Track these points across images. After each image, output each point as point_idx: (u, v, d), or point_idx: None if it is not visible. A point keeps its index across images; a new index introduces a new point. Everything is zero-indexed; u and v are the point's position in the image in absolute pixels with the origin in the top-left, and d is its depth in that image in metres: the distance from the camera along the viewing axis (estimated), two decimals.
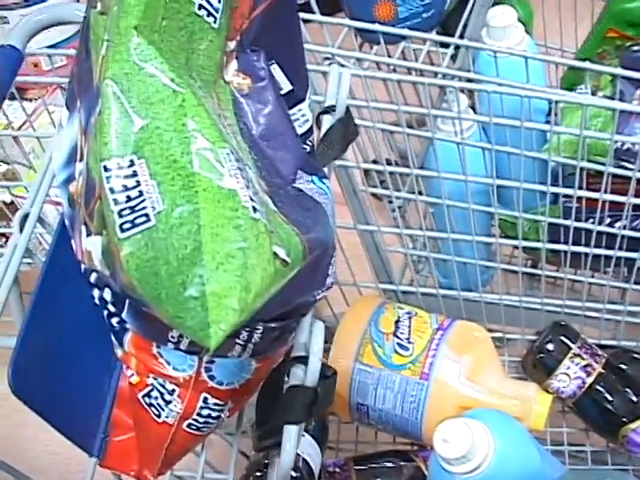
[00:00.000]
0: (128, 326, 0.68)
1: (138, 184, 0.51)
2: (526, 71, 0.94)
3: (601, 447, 1.12)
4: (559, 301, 1.14)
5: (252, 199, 0.52)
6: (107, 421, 0.77)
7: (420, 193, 1.10)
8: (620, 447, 1.06)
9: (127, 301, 0.65)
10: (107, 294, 0.67)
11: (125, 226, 0.51)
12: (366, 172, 1.18)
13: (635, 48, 1.09)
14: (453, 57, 1.06)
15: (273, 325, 0.63)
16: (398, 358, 1.07)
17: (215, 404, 0.69)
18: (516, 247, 1.13)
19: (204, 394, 0.69)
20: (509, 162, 1.06)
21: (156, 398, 0.71)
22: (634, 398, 1.04)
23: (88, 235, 0.58)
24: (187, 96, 0.53)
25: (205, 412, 0.70)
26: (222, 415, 0.71)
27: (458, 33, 1.04)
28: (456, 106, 0.99)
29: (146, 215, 0.50)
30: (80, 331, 0.77)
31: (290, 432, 0.60)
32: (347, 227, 1.11)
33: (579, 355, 1.06)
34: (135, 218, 0.51)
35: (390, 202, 1.18)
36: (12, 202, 1.33)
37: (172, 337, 0.64)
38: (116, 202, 0.51)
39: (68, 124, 0.64)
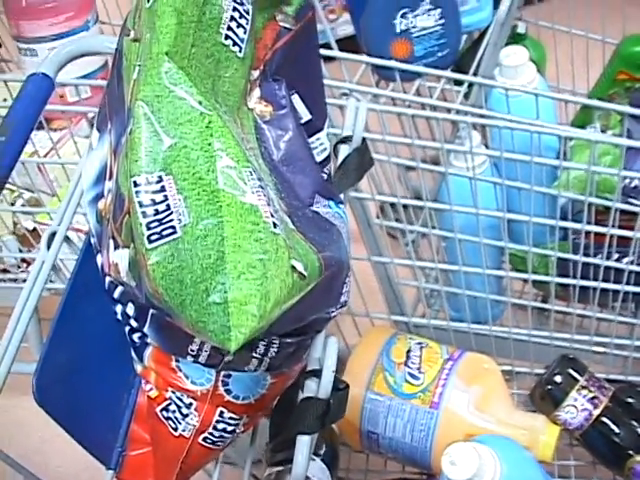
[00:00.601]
0: (149, 340, 0.71)
1: (166, 198, 0.54)
2: (536, 108, 0.98)
3: None
4: (567, 335, 1.16)
5: (272, 215, 0.55)
6: (125, 436, 0.79)
7: (433, 228, 1.13)
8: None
9: (149, 315, 0.68)
10: (130, 309, 0.70)
11: (153, 237, 0.54)
12: (381, 209, 1.21)
13: None
14: (466, 95, 1.10)
15: (289, 340, 0.66)
16: (409, 387, 1.10)
17: (231, 418, 0.72)
18: (526, 281, 1.16)
19: (220, 408, 0.71)
20: (520, 199, 1.09)
21: (173, 412, 0.73)
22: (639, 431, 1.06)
23: (116, 248, 0.61)
24: (213, 118, 0.56)
25: (221, 426, 0.72)
26: (237, 430, 0.73)
27: (471, 72, 1.08)
28: (469, 142, 1.03)
29: (173, 227, 0.53)
30: (101, 347, 0.80)
31: (303, 442, 0.62)
32: (361, 258, 1.14)
33: (586, 387, 1.07)
34: (162, 230, 0.54)
35: (403, 236, 1.21)
36: (35, 229, 1.37)
37: (191, 350, 0.67)
38: (144, 215, 0.54)
39: (99, 145, 0.68)
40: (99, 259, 0.73)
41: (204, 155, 0.55)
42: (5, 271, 1.37)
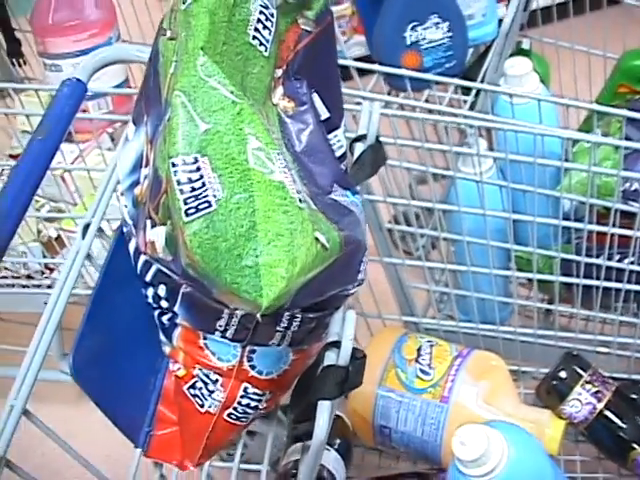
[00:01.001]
0: (178, 321, 0.76)
1: (201, 177, 0.60)
2: (539, 113, 1.03)
3: (613, 474, 1.17)
4: (572, 334, 1.21)
5: (298, 192, 0.61)
6: (152, 417, 0.84)
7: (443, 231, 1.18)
8: (632, 472, 1.11)
9: (180, 294, 0.73)
10: (161, 290, 0.75)
11: (190, 211, 0.59)
12: (395, 221, 1.26)
13: None
14: (472, 106, 1.15)
15: (310, 315, 0.71)
16: (420, 382, 1.14)
17: (254, 393, 0.77)
18: (531, 281, 1.21)
19: (245, 383, 0.76)
20: (525, 204, 1.14)
21: (200, 389, 0.78)
22: None
23: (153, 227, 0.67)
24: (244, 106, 0.62)
25: (245, 401, 0.77)
26: (259, 405, 0.78)
27: (478, 81, 1.13)
28: (476, 145, 1.08)
29: (208, 202, 0.59)
30: (130, 334, 0.85)
31: (324, 407, 0.67)
32: (373, 259, 1.19)
33: (590, 382, 1.12)
34: (199, 204, 0.59)
35: (414, 241, 1.26)
36: (58, 236, 1.42)
37: (219, 326, 0.72)
38: (182, 192, 0.60)
39: (135, 137, 0.74)
40: (132, 245, 0.78)
41: (236, 138, 0.61)
42: (29, 277, 1.42)
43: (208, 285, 0.62)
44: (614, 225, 1.06)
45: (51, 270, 1.43)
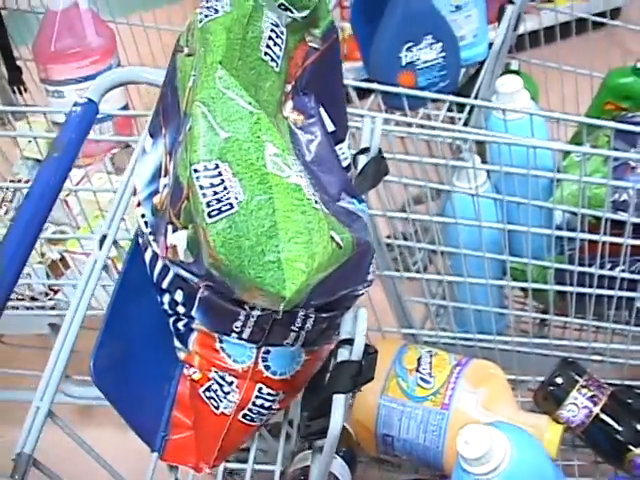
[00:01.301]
0: (194, 325, 0.80)
1: (222, 181, 0.64)
2: (531, 127, 1.08)
3: (609, 478, 1.21)
4: (567, 342, 1.25)
5: (313, 194, 0.65)
6: (167, 422, 0.87)
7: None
8: (628, 474, 1.14)
9: (197, 299, 0.76)
10: (178, 295, 0.78)
11: (213, 213, 0.63)
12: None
13: (629, 114, 1.23)
14: (466, 122, 1.20)
15: (323, 315, 0.74)
16: (421, 390, 1.18)
17: (268, 394, 0.80)
18: (525, 291, 1.25)
19: (259, 384, 0.79)
20: (518, 217, 1.19)
21: (215, 391, 0.81)
22: (637, 426, 1.14)
23: (174, 231, 0.71)
24: (261, 115, 0.66)
25: (259, 402, 0.80)
26: (273, 406, 0.81)
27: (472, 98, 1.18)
28: (471, 160, 1.13)
29: (230, 204, 0.63)
30: (146, 342, 0.88)
31: (339, 400, 0.70)
32: None
33: (586, 387, 1.16)
34: (221, 207, 0.63)
35: (412, 255, 1.30)
36: (62, 258, 1.46)
37: (236, 327, 0.75)
38: (204, 195, 0.64)
39: (152, 149, 0.78)
40: (148, 254, 0.82)
41: (254, 145, 0.65)
42: (33, 299, 1.45)
43: (230, 283, 0.66)
44: (605, 234, 1.10)
45: (55, 292, 1.45)
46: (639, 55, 1.43)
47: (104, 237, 0.87)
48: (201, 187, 0.64)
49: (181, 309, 0.80)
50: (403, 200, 1.24)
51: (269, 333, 0.75)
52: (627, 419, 1.15)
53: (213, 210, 0.63)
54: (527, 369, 1.32)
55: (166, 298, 0.81)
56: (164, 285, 0.80)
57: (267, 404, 0.81)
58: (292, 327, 0.75)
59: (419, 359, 1.21)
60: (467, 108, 1.17)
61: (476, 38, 1.21)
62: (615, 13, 2.14)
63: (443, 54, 1.14)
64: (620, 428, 1.14)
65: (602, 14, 1.65)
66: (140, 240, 0.84)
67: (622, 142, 1.18)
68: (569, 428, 1.17)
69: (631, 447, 1.13)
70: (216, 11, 0.71)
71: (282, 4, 0.74)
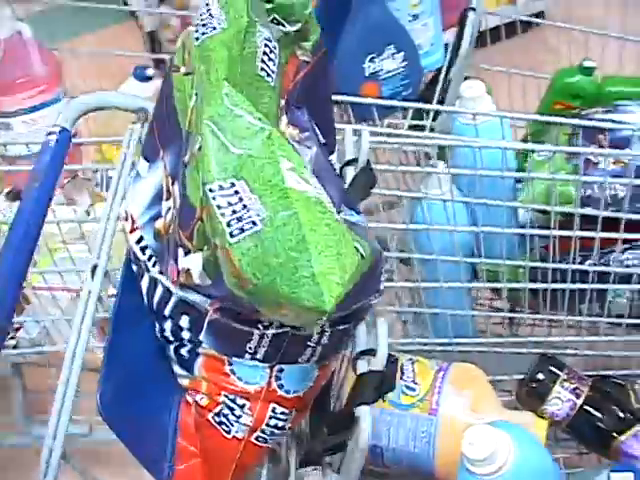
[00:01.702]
0: (200, 350, 0.78)
1: (241, 200, 0.63)
2: (502, 130, 1.10)
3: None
4: (542, 338, 1.27)
5: (333, 207, 0.64)
6: (172, 451, 0.85)
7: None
8: (615, 460, 1.17)
9: (205, 322, 0.75)
10: (184, 321, 0.77)
11: (235, 233, 0.62)
12: None
13: (584, 112, 1.27)
14: (432, 129, 1.22)
15: (339, 328, 0.74)
16: (406, 398, 1.17)
17: (282, 413, 0.79)
18: (497, 292, 1.27)
19: (272, 404, 0.78)
20: (488, 219, 1.20)
21: (226, 415, 0.79)
22: (620, 414, 1.16)
23: (187, 254, 0.69)
24: (272, 130, 0.66)
25: (273, 422, 0.79)
26: (286, 425, 0.80)
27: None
28: (440, 167, 1.14)
29: (253, 222, 0.62)
30: (144, 372, 0.86)
31: (365, 412, 0.70)
32: None
33: (567, 380, 1.18)
34: (243, 226, 0.62)
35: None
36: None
37: (249, 348, 0.74)
38: (223, 215, 0.63)
39: (149, 173, 0.76)
40: (144, 281, 0.80)
41: (269, 161, 0.64)
42: None
43: (255, 302, 0.64)
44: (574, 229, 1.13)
45: (17, 329, 1.40)
46: (567, 55, 1.48)
47: (95, 267, 0.85)
48: (219, 207, 0.63)
49: (186, 335, 0.78)
50: (369, 206, 1.25)
51: (284, 351, 0.74)
52: (609, 408, 1.17)
53: (234, 229, 0.62)
54: (503, 369, 1.34)
55: (168, 325, 0.79)
56: (166, 312, 0.78)
57: (281, 424, 0.80)
58: (308, 343, 0.74)
59: (401, 367, 1.21)
60: (431, 115, 1.18)
61: (433, 46, 1.22)
62: (540, 16, 2.22)
63: (405, 63, 1.15)
64: (604, 417, 1.16)
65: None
66: (134, 267, 0.82)
67: (582, 139, 1.22)
68: (554, 422, 1.18)
69: (616, 434, 1.15)
70: (213, 28, 0.70)
71: (275, 18, 0.74)
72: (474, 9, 1.09)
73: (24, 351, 1.38)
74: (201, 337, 0.76)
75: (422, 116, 1.17)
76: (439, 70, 1.26)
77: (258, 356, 0.75)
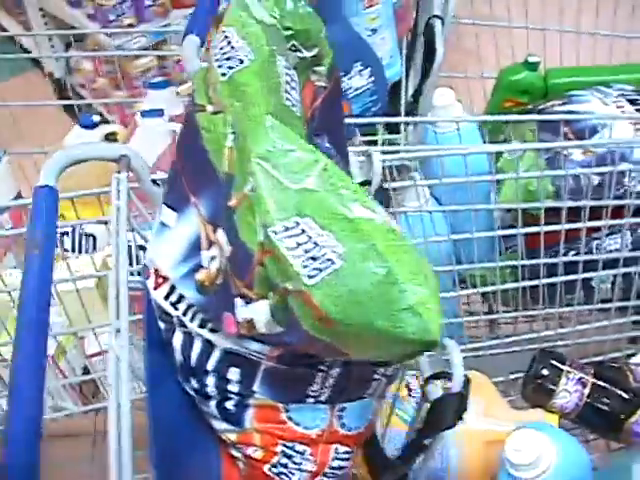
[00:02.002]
0: (251, 401, 0.74)
1: (310, 238, 0.59)
2: (482, 135, 1.10)
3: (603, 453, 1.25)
4: (535, 334, 1.28)
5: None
6: None
7: None
8: (627, 442, 1.18)
9: (259, 372, 0.71)
10: (232, 374, 0.72)
11: (312, 274, 0.58)
12: None
13: (546, 106, 1.29)
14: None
15: None
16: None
17: (345, 452, 0.75)
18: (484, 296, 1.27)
19: (335, 445, 0.75)
20: (469, 225, 1.20)
21: (285, 465, 0.75)
22: (625, 396, 1.18)
23: (248, 303, 0.65)
24: (327, 161, 0.62)
25: (336, 463, 0.75)
26: (347, 464, 0.77)
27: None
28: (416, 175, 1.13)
29: (330, 260, 0.58)
30: (178, 434, 0.81)
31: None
32: None
33: (572, 372, 1.19)
34: (319, 265, 0.58)
35: None
36: None
37: (312, 392, 0.71)
38: (295, 257, 0.59)
39: (179, 223, 0.71)
40: (177, 338, 0.75)
41: (331, 194, 0.61)
42: None
43: (341, 343, 0.61)
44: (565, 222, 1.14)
45: None
46: (507, 51, 1.50)
47: (118, 330, 0.79)
48: (288, 248, 0.59)
49: (234, 387, 0.74)
50: None
51: (350, 389, 0.71)
52: (614, 392, 1.18)
53: (311, 270, 0.59)
54: (496, 371, 1.34)
55: (210, 380, 0.74)
56: (209, 366, 0.74)
57: (343, 464, 0.76)
58: (375, 377, 0.71)
59: (407, 385, 1.19)
60: (402, 127, 1.17)
61: (392, 58, 1.21)
62: None
63: (372, 79, 1.14)
64: (611, 402, 1.18)
65: None
66: (162, 325, 0.77)
67: (547, 133, 1.23)
68: (563, 415, 1.19)
69: (625, 417, 1.17)
70: (240, 61, 0.66)
71: (293, 45, 0.71)
72: (440, 17, 1.09)
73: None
74: (254, 387, 0.72)
75: (395, 130, 1.16)
76: (398, 82, 1.25)
77: (322, 398, 0.71)
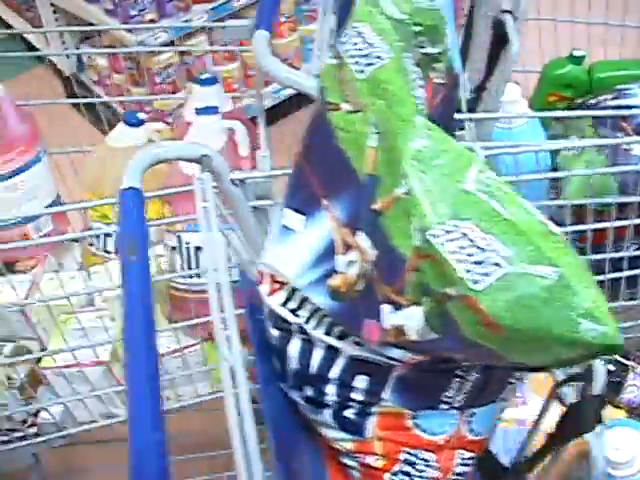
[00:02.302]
0: (375, 409, 0.72)
1: (472, 241, 0.57)
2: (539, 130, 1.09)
3: None
4: None
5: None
6: None
7: None
8: None
9: (390, 379, 0.69)
10: (360, 381, 0.70)
11: (477, 278, 0.56)
12: None
13: (598, 101, 1.28)
14: None
15: None
16: None
17: (469, 458, 0.74)
18: None
19: (460, 451, 0.73)
20: None
21: (407, 473, 0.74)
22: None
23: (397, 309, 0.62)
24: (480, 162, 0.60)
25: (459, 469, 0.74)
26: (468, 470, 0.75)
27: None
28: None
29: (496, 264, 0.56)
30: (287, 441, 0.79)
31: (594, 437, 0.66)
32: None
33: (637, 367, 1.18)
34: (485, 270, 0.56)
35: None
36: (30, 376, 1.28)
37: (447, 397, 0.69)
38: (459, 261, 0.57)
39: (309, 225, 0.69)
40: (294, 345, 0.73)
41: (489, 195, 0.59)
42: (12, 430, 1.26)
43: (508, 349, 0.59)
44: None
45: (35, 414, 1.27)
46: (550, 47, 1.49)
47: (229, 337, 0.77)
48: (450, 252, 0.57)
49: (358, 396, 0.72)
50: None
51: (486, 394, 0.70)
52: None
53: (477, 275, 0.57)
54: None
55: (331, 388, 0.72)
56: (331, 374, 0.72)
57: (466, 469, 0.75)
58: (511, 380, 0.69)
59: None
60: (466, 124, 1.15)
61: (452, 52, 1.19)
62: None
63: None
64: None
65: None
66: (275, 332, 0.74)
67: (605, 128, 1.22)
68: (630, 409, 1.19)
69: None
70: (379, 57, 0.64)
71: (420, 41, 0.69)
72: (509, 11, 1.07)
73: (50, 437, 1.25)
74: (384, 395, 0.70)
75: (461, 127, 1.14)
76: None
77: (456, 404, 0.69)
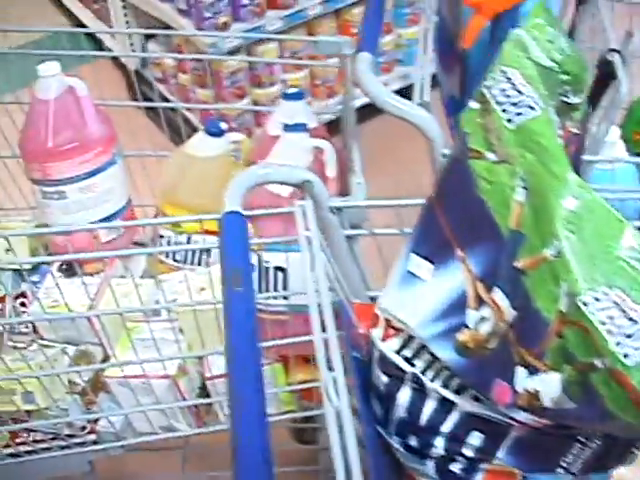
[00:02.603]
0: (483, 466, 0.69)
1: (623, 312, 0.54)
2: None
3: None
4: None
5: None
6: None
7: None
8: None
9: (511, 438, 0.66)
10: (473, 437, 0.68)
11: (627, 352, 0.54)
12: None
13: None
14: None
15: None
16: None
17: None
18: None
19: None
20: None
21: None
22: None
23: (533, 374, 0.60)
24: (631, 226, 0.58)
25: None
26: None
27: None
28: None
29: None
30: None
31: None
32: None
33: None
34: (637, 344, 0.54)
35: None
36: (92, 382, 1.26)
37: (565, 461, 0.66)
38: (609, 332, 0.54)
39: (437, 276, 0.66)
40: (404, 394, 0.70)
41: (639, 262, 0.56)
42: (70, 436, 1.24)
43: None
44: None
45: (95, 422, 1.25)
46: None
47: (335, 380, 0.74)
48: (601, 322, 0.55)
49: (469, 452, 0.69)
50: None
51: (608, 461, 0.67)
52: None
53: (627, 348, 0.54)
54: None
55: (440, 441, 0.70)
56: (443, 428, 0.69)
57: None
58: (633, 449, 0.66)
59: None
60: None
61: None
62: None
63: None
64: None
65: None
66: (384, 378, 0.72)
67: None
68: None
69: None
70: (530, 108, 0.61)
71: (566, 90, 0.66)
72: (618, 51, 1.04)
73: (108, 446, 1.23)
74: (499, 453, 0.68)
75: None
76: None
77: (573, 469, 0.67)
